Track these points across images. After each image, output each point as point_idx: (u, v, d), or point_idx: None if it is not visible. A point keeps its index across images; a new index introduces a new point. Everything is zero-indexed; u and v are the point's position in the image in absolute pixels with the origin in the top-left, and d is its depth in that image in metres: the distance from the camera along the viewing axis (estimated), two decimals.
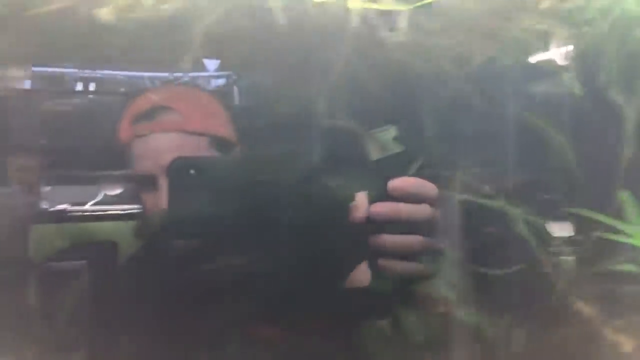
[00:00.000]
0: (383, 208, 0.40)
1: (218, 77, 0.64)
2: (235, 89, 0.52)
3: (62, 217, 0.82)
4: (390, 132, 0.45)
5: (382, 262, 0.40)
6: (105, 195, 0.93)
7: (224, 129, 0.57)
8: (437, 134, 0.43)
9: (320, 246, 0.42)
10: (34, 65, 0.88)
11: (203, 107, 0.58)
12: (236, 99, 0.56)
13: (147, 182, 0.57)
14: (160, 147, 0.54)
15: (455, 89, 0.41)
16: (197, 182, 0.46)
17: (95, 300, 0.67)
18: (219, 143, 0.56)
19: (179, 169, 0.44)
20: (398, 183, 0.40)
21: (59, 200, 0.84)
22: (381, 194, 0.42)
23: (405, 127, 0.44)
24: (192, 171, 0.45)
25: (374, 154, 0.44)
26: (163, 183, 0.53)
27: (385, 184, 0.42)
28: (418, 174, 0.45)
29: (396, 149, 0.46)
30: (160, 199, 0.55)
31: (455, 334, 0.42)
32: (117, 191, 0.94)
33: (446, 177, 0.43)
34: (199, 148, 0.55)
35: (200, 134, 0.55)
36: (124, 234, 0.82)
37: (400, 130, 0.45)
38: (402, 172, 0.46)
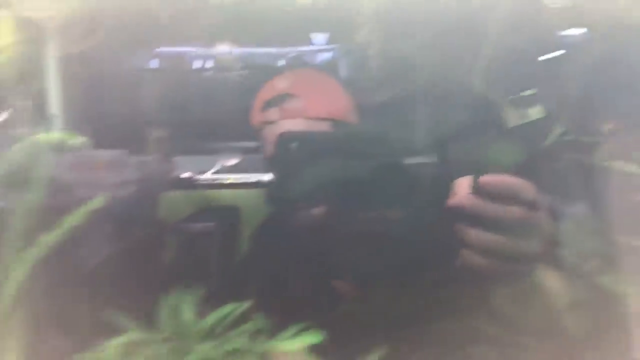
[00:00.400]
0: (467, 202, 0.39)
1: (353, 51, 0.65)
2: (378, 61, 0.53)
3: (189, 184, 0.90)
4: (530, 98, 0.44)
5: (465, 253, 0.40)
6: (223, 165, 1.00)
7: (346, 113, 0.58)
8: (584, 100, 0.41)
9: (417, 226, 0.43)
10: (169, 46, 0.96)
11: (325, 93, 0.60)
12: (372, 72, 0.57)
13: None
14: None
15: (607, 52, 0.39)
16: (299, 155, 0.48)
17: (227, 258, 0.73)
18: (341, 126, 0.58)
19: (283, 143, 0.46)
20: (486, 180, 0.39)
21: (185, 169, 0.92)
22: (517, 163, 0.41)
23: (550, 93, 0.43)
24: (294, 144, 0.47)
25: (512, 121, 0.44)
26: None
27: (523, 153, 0.42)
28: (560, 141, 0.44)
29: (536, 115, 0.45)
30: None
31: (598, 300, 0.41)
32: (234, 162, 1.01)
33: (591, 144, 0.42)
34: None
35: (323, 119, 0.57)
36: (244, 200, 0.89)
37: (544, 97, 0.43)
38: (541, 140, 0.45)
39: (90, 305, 0.57)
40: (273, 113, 0.59)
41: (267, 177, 0.80)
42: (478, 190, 0.39)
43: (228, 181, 0.95)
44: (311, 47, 0.89)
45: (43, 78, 0.84)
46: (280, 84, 0.60)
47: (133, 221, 0.82)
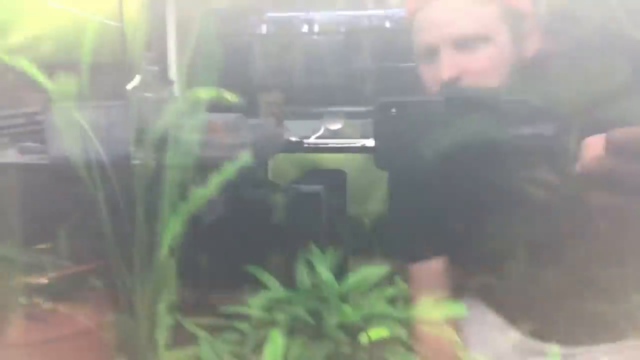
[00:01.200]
0: (600, 164, 0.33)
1: None
2: None
3: (296, 147, 0.91)
4: None
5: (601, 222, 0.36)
6: (326, 129, 1.00)
7: None
8: None
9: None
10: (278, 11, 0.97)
11: None
12: None
13: (427, 54, 0.56)
14: (442, 18, 0.52)
15: None
16: (398, 121, 0.46)
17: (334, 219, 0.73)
18: (512, 14, 0.51)
19: (382, 109, 0.45)
20: (616, 135, 0.32)
21: (292, 133, 0.93)
22: None
23: None
24: (393, 110, 0.45)
25: None
26: (444, 54, 0.52)
27: None
28: None
29: None
30: (439, 70, 0.52)
31: None
32: (338, 126, 1.00)
33: None
34: (486, 18, 0.49)
35: (491, 2, 0.49)
36: (349, 164, 0.88)
37: None
38: None
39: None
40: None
41: (370, 142, 0.78)
42: (613, 148, 0.33)
43: (333, 145, 0.95)
44: None
45: (165, 46, 0.88)
46: None
47: (246, 181, 0.85)
